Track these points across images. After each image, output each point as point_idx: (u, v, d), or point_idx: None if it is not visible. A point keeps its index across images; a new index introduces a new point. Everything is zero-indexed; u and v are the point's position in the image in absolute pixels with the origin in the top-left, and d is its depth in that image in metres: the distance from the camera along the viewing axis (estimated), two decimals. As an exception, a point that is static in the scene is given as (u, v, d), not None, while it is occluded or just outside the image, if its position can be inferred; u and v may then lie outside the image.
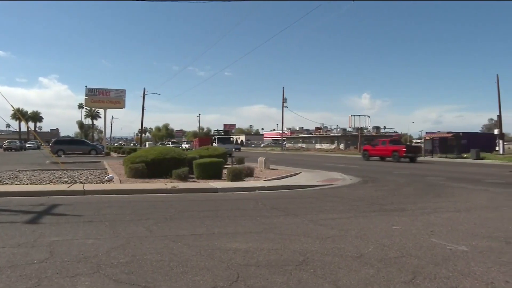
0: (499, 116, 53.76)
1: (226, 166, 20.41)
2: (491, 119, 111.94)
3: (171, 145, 67.56)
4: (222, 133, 67.59)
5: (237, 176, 16.42)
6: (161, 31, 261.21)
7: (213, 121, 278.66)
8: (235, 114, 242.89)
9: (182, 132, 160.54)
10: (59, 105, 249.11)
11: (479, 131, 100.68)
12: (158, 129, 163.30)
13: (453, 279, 4.85)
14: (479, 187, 15.67)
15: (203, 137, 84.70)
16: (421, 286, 4.59)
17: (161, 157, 17.73)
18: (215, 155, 22.73)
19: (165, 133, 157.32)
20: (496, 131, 55.54)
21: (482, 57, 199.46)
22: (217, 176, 17.22)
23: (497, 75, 52.16)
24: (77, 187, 13.54)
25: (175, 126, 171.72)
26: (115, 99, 57.29)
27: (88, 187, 13.60)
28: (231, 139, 61.03)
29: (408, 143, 43.03)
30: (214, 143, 52.51)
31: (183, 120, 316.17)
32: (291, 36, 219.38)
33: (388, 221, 8.60)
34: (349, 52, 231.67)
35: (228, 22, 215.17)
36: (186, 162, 18.17)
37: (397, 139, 49.82)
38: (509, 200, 12.19)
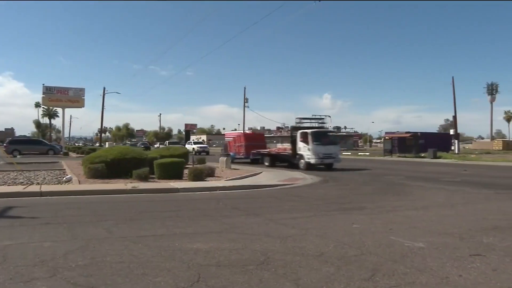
0: (455, 117, 55.75)
1: (187, 166, 20.27)
2: (447, 120, 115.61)
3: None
4: (317, 125, 28.98)
5: (198, 176, 16.36)
6: (122, 29, 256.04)
7: (175, 121, 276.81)
8: (197, 113, 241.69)
9: (143, 132, 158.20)
10: (14, 103, 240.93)
11: (436, 131, 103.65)
12: (118, 128, 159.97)
13: (410, 275, 4.98)
14: (436, 185, 16.14)
15: (252, 133, 48.68)
16: (380, 283, 4.69)
17: (121, 157, 17.44)
18: (176, 155, 22.54)
19: (126, 133, 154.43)
20: (452, 131, 57.51)
21: (439, 59, 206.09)
22: (178, 176, 17.08)
23: (453, 78, 53.99)
24: (34, 188, 13.15)
25: (136, 125, 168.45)
26: (74, 98, 55.72)
27: (45, 188, 13.21)
28: (333, 136, 28.61)
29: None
30: (304, 142, 25.35)
31: (145, 119, 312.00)
32: (252, 36, 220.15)
33: (348, 219, 8.74)
34: (310, 52, 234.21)
35: (190, 21, 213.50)
36: (147, 162, 17.93)
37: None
38: (464, 198, 12.60)
